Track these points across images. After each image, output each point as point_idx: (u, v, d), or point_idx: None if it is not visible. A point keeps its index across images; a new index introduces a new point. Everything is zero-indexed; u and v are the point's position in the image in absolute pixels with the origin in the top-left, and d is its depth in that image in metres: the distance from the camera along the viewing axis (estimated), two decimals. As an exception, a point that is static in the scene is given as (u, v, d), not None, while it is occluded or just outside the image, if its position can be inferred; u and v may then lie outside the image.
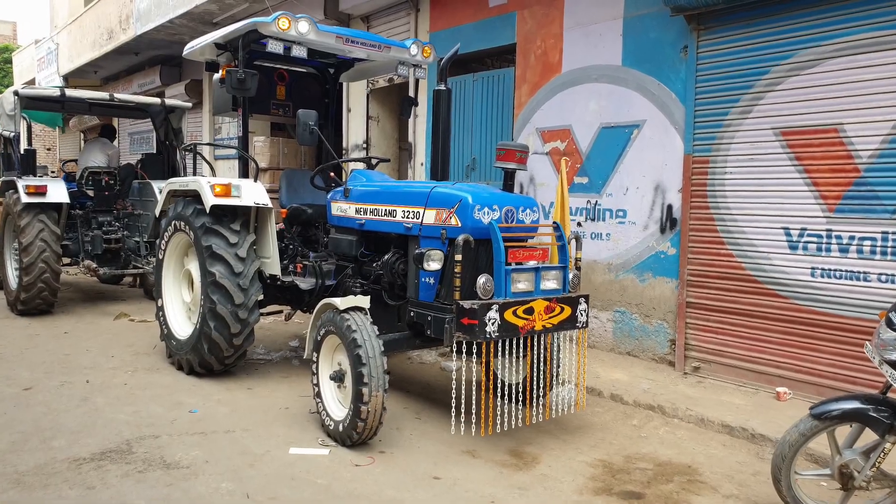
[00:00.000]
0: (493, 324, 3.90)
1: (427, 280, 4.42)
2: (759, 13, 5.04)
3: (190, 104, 9.42)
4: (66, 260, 9.04)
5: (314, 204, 6.00)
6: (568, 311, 4.25)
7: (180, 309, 6.04)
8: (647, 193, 5.93)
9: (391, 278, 4.77)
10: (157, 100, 9.00)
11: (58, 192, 7.95)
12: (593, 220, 6.32)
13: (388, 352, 4.22)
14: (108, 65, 15.35)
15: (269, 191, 6.62)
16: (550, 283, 4.27)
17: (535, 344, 4.29)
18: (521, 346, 4.36)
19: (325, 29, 5.29)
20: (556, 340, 4.61)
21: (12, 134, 8.29)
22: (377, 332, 4.19)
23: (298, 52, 5.28)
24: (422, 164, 8.44)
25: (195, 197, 5.51)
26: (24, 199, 7.67)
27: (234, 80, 5.22)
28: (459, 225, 4.19)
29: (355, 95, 9.51)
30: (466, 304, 3.90)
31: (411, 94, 6.54)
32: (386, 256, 4.80)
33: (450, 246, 4.27)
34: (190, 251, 5.82)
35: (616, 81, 6.14)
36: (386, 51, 5.61)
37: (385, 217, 4.79)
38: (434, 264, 4.22)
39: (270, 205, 5.47)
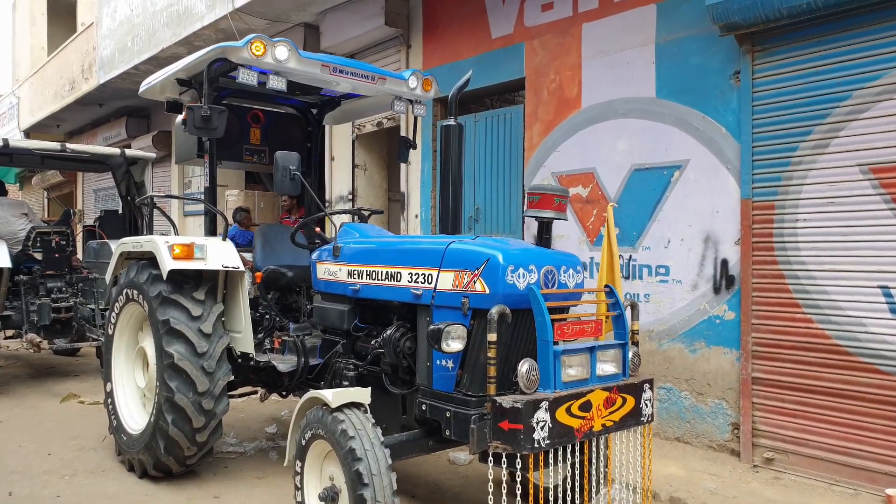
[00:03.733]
0: (542, 428, 2.88)
1: (443, 363, 3.41)
2: (835, 28, 4.22)
3: (153, 155, 8.48)
4: (8, 332, 7.98)
5: (295, 265, 5.03)
6: (631, 402, 3.27)
7: (134, 395, 4.99)
8: (695, 246, 5.00)
9: (394, 359, 3.72)
10: (116, 150, 8.03)
11: None
12: (627, 277, 5.37)
13: (395, 458, 3.20)
14: (70, 117, 14.46)
15: (242, 250, 5.65)
16: (608, 365, 3.29)
17: (593, 449, 3.27)
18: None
19: (309, 56, 4.40)
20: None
21: (-55, 189, 7.28)
22: (382, 437, 3.16)
23: (276, 83, 4.36)
24: (417, 217, 7.51)
25: (152, 260, 4.51)
26: (-43, 264, 6.65)
27: (198, 118, 4.28)
28: (487, 291, 3.21)
29: (339, 141, 8.63)
30: (506, 401, 2.89)
31: (406, 134, 5.66)
32: (388, 331, 3.76)
33: (473, 318, 3.29)
34: (145, 325, 4.80)
35: (649, 116, 5.28)
36: (381, 83, 4.73)
37: (386, 281, 3.79)
38: (455, 344, 3.21)
39: (242, 267, 4.48)
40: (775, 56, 4.53)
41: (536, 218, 3.57)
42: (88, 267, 7.93)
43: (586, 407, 3.05)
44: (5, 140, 7.34)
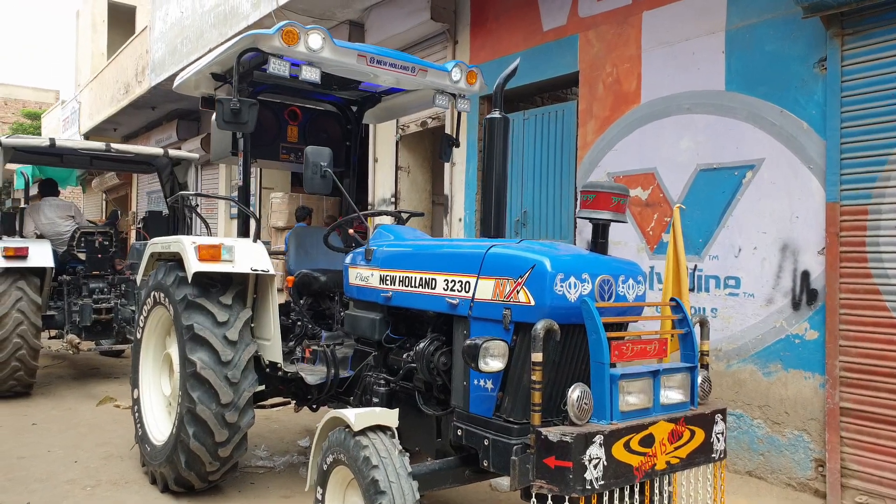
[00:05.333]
0: (595, 466, 2.45)
1: (482, 383, 3.01)
2: (945, 3, 3.66)
3: (196, 156, 8.35)
4: (52, 332, 7.96)
5: (329, 269, 4.73)
6: (700, 435, 2.80)
7: (160, 403, 4.76)
8: (771, 255, 4.46)
9: (428, 376, 3.33)
10: (159, 150, 7.92)
11: (41, 255, 6.88)
12: (692, 290, 4.83)
13: (425, 490, 2.83)
14: (126, 121, 14.68)
15: (276, 254, 5.38)
16: (674, 392, 2.83)
17: (655, 490, 2.81)
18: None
19: (344, 45, 4.08)
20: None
21: (-8, 189, 7.28)
22: (409, 467, 2.78)
23: (309, 74, 4.05)
24: (460, 220, 7.13)
25: (180, 262, 4.27)
26: (1, 262, 6.60)
27: (227, 112, 4.00)
28: (532, 303, 2.79)
29: (383, 143, 8.33)
30: (553, 433, 2.46)
31: (450, 131, 5.30)
32: (421, 344, 3.37)
33: (516, 333, 2.89)
34: (172, 330, 4.56)
35: (717, 111, 4.77)
36: (422, 75, 4.37)
37: (420, 289, 3.41)
38: (494, 363, 2.80)
39: (272, 270, 4.18)
40: (870, 40, 3.96)
41: (591, 219, 3.13)
42: (132, 268, 7.85)
43: (648, 441, 2.60)
44: (52, 140, 7.30)
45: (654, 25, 5.22)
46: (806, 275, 4.28)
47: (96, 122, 15.53)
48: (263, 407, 4.82)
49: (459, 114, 4.80)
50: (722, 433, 2.89)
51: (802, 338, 4.28)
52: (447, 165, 7.13)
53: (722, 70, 4.74)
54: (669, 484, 3.14)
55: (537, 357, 2.52)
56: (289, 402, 5.14)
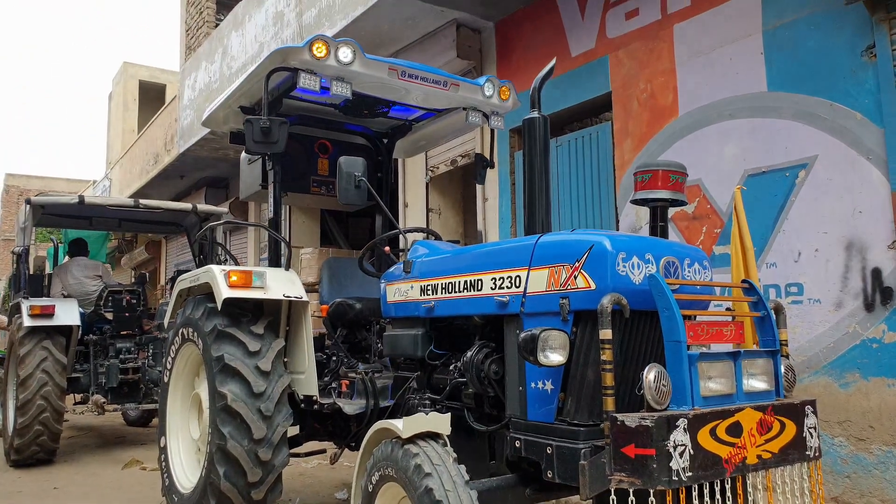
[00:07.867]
0: (681, 454, 2.14)
1: (540, 385, 2.73)
2: None
3: (226, 209, 8.32)
4: (77, 397, 7.75)
5: (364, 297, 4.51)
6: (792, 428, 2.48)
7: (188, 449, 4.48)
8: (834, 256, 4.16)
9: (478, 387, 3.05)
10: (188, 205, 7.90)
11: (67, 314, 6.74)
12: (750, 301, 4.54)
13: (484, 507, 2.53)
14: (155, 193, 14.88)
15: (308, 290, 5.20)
16: (757, 380, 2.52)
17: (748, 489, 2.45)
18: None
19: (375, 58, 4.01)
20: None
21: (20, 249, 7.23)
22: (466, 476, 2.49)
23: (340, 89, 3.97)
24: (495, 258, 6.93)
25: (209, 295, 4.09)
26: (27, 321, 6.47)
27: (257, 132, 3.92)
28: (592, 287, 2.55)
29: (412, 187, 8.25)
30: (630, 417, 2.17)
31: (482, 152, 5.18)
32: (469, 353, 3.10)
33: (576, 324, 2.63)
34: (201, 370, 4.34)
35: (761, 113, 4.58)
36: (454, 90, 4.28)
37: (465, 293, 3.17)
38: (555, 356, 2.54)
39: (305, 297, 3.99)
40: (920, 19, 3.81)
41: (647, 202, 2.92)
42: (160, 328, 7.70)
43: (736, 430, 2.29)
44: (80, 196, 7.29)
45: (686, 37, 5.12)
46: (877, 272, 3.96)
47: (126, 195, 15.81)
48: (297, 455, 4.51)
49: (493, 133, 4.68)
50: (815, 428, 2.56)
51: (880, 341, 3.92)
52: (479, 202, 6.98)
53: (762, 71, 4.58)
54: (765, 489, 2.79)
55: (606, 334, 2.26)
56: (324, 451, 4.83)
